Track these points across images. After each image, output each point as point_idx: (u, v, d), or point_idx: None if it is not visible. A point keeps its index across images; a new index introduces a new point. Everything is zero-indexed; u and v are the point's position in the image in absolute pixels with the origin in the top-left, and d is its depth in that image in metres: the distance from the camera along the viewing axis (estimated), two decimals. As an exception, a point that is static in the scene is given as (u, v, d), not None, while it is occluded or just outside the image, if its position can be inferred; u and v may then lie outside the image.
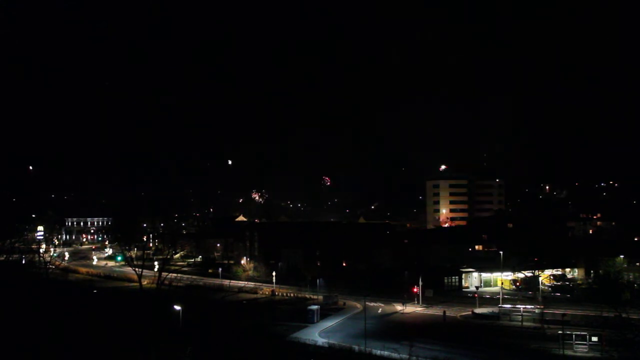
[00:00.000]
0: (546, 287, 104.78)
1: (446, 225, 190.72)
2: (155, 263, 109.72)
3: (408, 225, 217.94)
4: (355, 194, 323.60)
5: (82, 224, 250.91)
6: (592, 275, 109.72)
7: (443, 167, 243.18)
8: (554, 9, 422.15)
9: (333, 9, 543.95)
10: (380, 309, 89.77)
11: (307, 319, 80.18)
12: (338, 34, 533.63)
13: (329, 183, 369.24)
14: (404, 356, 56.75)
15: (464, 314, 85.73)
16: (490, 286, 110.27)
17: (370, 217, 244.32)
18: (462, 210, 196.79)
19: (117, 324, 54.19)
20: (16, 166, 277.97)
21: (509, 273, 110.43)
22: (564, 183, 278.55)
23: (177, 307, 54.44)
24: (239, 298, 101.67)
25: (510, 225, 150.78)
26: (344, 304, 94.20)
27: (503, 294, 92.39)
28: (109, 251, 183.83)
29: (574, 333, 64.61)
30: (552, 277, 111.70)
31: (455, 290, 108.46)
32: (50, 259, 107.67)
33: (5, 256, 66.67)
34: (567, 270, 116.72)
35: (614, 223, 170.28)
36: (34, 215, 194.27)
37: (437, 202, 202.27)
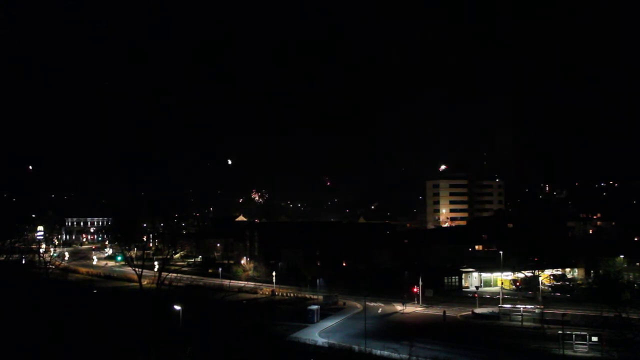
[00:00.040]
0: (546, 287, 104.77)
1: (446, 225, 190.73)
2: (155, 263, 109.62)
3: (408, 225, 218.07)
4: (355, 194, 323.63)
5: (82, 224, 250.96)
6: (592, 275, 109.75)
7: (443, 167, 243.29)
8: (554, 9, 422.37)
9: (333, 9, 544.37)
10: (380, 309, 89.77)
11: (307, 319, 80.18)
12: (338, 34, 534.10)
13: (328, 183, 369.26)
14: (404, 356, 56.74)
15: (464, 314, 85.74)
16: (490, 286, 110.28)
17: (370, 217, 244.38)
18: (462, 210, 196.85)
19: (117, 324, 54.13)
20: (16, 166, 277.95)
21: (509, 273, 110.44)
22: (564, 183, 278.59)
23: (177, 307, 54.40)
24: (239, 298, 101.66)
25: (510, 225, 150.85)
26: (344, 304, 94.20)
27: (503, 294, 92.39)
28: (109, 251, 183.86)
29: (574, 333, 64.61)
30: (552, 277, 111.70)
31: (455, 290, 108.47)
32: (50, 259, 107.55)
33: (5, 256, 66.57)
34: (567, 270, 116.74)
35: (614, 223, 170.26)
36: (34, 215, 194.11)
37: (437, 202, 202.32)
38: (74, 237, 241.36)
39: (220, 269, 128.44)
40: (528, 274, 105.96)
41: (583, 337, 63.63)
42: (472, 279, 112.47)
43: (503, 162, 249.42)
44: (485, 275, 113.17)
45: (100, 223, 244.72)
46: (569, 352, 61.93)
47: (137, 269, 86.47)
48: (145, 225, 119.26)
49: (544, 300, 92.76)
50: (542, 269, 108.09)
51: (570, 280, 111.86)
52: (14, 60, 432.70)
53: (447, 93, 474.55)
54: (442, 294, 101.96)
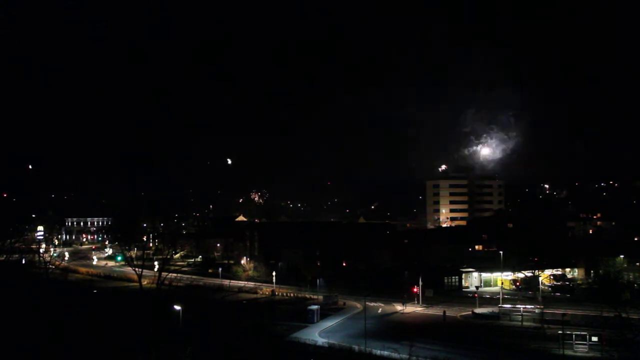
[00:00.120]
0: (546, 287, 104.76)
1: (446, 225, 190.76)
2: (155, 263, 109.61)
3: (408, 225, 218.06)
4: (355, 194, 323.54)
5: (82, 224, 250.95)
6: (592, 275, 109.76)
7: (443, 167, 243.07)
8: (554, 9, 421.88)
9: (333, 9, 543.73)
10: (380, 309, 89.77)
11: (307, 319, 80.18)
12: (338, 34, 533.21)
13: (328, 182, 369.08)
14: (404, 356, 56.72)
15: (464, 314, 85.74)
16: (490, 286, 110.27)
17: (370, 217, 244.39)
18: (462, 210, 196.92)
19: (117, 324, 54.16)
20: (16, 166, 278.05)
21: (509, 273, 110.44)
22: (564, 183, 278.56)
23: (177, 307, 54.43)
24: (239, 298, 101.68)
25: (510, 225, 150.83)
26: (344, 304, 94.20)
27: (503, 294, 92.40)
28: (109, 251, 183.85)
29: (574, 333, 64.60)
30: (552, 277, 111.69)
31: (455, 290, 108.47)
32: (50, 259, 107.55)
33: (5, 256, 66.61)
34: (567, 270, 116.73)
35: (614, 223, 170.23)
36: (34, 215, 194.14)
37: (437, 202, 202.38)
38: (74, 237, 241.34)
39: (220, 269, 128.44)
40: (528, 274, 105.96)
41: (583, 337, 63.62)
42: (472, 279, 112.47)
43: (503, 162, 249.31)
44: (485, 275, 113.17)
45: (100, 223, 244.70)
46: (569, 352, 61.93)
47: (137, 269, 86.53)
48: (145, 225, 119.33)
49: (544, 300, 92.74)
50: (542, 269, 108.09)
51: (570, 280, 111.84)
52: (14, 60, 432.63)
53: (447, 93, 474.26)
54: (442, 294, 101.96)
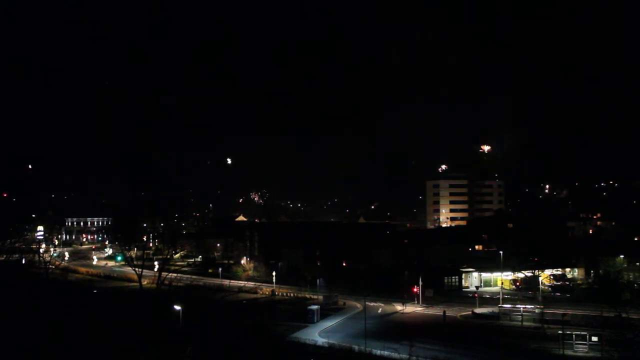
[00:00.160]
0: (546, 287, 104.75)
1: (446, 225, 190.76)
2: (155, 263, 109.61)
3: (408, 225, 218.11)
4: (355, 194, 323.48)
5: (82, 224, 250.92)
6: (592, 275, 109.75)
7: (443, 167, 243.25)
8: (554, 9, 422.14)
9: (333, 9, 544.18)
10: (380, 309, 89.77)
11: (307, 319, 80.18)
12: (338, 34, 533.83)
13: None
14: (404, 356, 56.72)
15: (464, 314, 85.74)
16: (490, 286, 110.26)
17: (370, 217, 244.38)
18: (462, 210, 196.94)
19: (117, 324, 54.14)
20: (16, 166, 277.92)
21: (509, 273, 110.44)
22: (564, 183, 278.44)
23: (177, 307, 54.43)
24: (239, 298, 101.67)
25: (510, 225, 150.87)
26: (344, 304, 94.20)
27: (503, 294, 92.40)
28: (109, 251, 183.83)
29: (574, 333, 64.61)
30: (552, 277, 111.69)
31: (455, 290, 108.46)
32: (50, 259, 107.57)
33: (5, 256, 66.59)
34: (567, 270, 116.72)
35: (614, 223, 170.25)
36: (34, 215, 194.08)
37: (437, 202, 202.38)
38: (74, 237, 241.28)
39: (220, 269, 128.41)
40: (528, 274, 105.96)
41: (583, 337, 63.62)
42: (472, 279, 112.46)
43: (503, 162, 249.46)
44: (485, 275, 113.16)
45: (100, 223, 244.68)
46: (569, 352, 61.94)
47: (137, 269, 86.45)
48: (145, 225, 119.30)
49: (544, 300, 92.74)
50: (542, 269, 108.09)
51: (570, 280, 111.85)
52: (14, 60, 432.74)
53: (447, 93, 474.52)
54: (442, 294, 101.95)
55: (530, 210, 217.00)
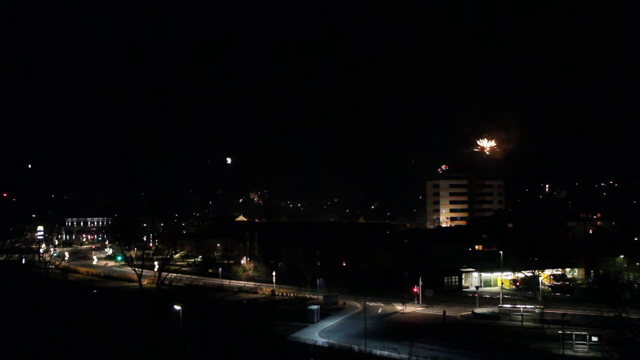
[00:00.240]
0: (546, 287, 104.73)
1: (446, 225, 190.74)
2: (155, 263, 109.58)
3: (408, 225, 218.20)
4: (355, 194, 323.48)
5: (82, 224, 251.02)
6: (592, 275, 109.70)
7: (443, 167, 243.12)
8: (554, 9, 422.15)
9: (333, 9, 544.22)
10: (380, 309, 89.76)
11: (307, 319, 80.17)
12: (338, 34, 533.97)
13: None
14: (404, 356, 56.71)
15: (464, 313, 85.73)
16: (490, 286, 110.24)
17: (370, 217, 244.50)
18: (462, 210, 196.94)
19: (117, 324, 54.12)
20: (16, 166, 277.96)
21: (509, 273, 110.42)
22: (564, 183, 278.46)
23: (177, 307, 54.43)
24: (239, 298, 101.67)
25: (510, 225, 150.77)
26: (344, 304, 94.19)
27: (503, 294, 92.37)
28: (109, 251, 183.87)
29: (574, 333, 64.58)
30: (552, 277, 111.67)
31: (455, 290, 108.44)
32: (50, 259, 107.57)
33: (5, 256, 66.55)
34: (567, 270, 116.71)
35: (614, 223, 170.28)
36: (34, 215, 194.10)
37: (437, 202, 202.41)
38: (74, 237, 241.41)
39: (220, 269, 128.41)
40: (528, 274, 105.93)
41: (583, 337, 63.60)
42: (472, 279, 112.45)
43: (503, 162, 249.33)
44: (485, 275, 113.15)
45: (100, 223, 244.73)
46: (569, 352, 61.91)
47: (137, 269, 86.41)
48: (145, 225, 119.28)
49: (544, 300, 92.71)
50: (542, 269, 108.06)
51: (570, 280, 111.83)
52: (14, 60, 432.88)
53: (447, 93, 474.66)
54: (442, 294, 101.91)
55: (530, 210, 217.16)
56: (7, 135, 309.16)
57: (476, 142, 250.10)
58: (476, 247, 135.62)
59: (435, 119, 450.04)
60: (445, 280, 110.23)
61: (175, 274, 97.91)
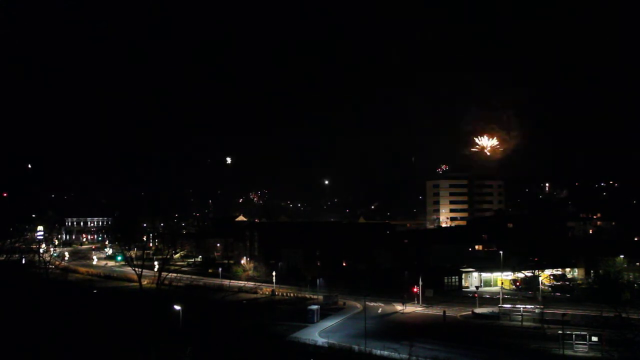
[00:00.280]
0: (546, 287, 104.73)
1: (446, 225, 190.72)
2: (155, 263, 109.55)
3: (408, 225, 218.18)
4: (355, 194, 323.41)
5: (82, 224, 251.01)
6: (592, 275, 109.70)
7: (443, 167, 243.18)
8: (554, 9, 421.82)
9: (333, 9, 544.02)
10: (380, 309, 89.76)
11: (307, 319, 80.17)
12: (338, 34, 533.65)
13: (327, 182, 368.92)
14: (404, 356, 56.71)
15: (464, 314, 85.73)
16: (490, 286, 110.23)
17: (370, 217, 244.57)
18: (462, 210, 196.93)
19: (117, 324, 54.14)
20: (16, 166, 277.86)
21: (509, 273, 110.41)
22: (564, 183, 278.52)
23: (177, 307, 54.46)
24: (239, 298, 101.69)
25: (510, 225, 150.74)
26: (344, 304, 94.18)
27: (503, 294, 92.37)
28: (109, 251, 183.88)
29: (574, 333, 64.59)
30: (552, 277, 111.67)
31: (455, 290, 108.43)
32: (50, 259, 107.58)
33: (5, 256, 66.56)
34: (567, 270, 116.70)
35: (614, 223, 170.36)
36: (34, 215, 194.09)
37: (437, 202, 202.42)
38: (74, 237, 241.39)
39: (220, 269, 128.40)
40: (528, 274, 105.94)
41: (583, 337, 63.60)
42: (472, 279, 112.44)
43: (503, 162, 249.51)
44: (485, 275, 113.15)
45: (100, 223, 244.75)
46: (569, 352, 61.91)
47: (137, 269, 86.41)
48: (145, 225, 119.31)
49: (544, 300, 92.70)
50: (542, 269, 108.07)
51: (570, 280, 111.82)
52: (14, 60, 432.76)
53: (447, 93, 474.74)
54: (442, 294, 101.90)
55: (530, 210, 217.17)
56: (7, 135, 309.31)
57: (476, 142, 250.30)
58: (476, 247, 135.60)
59: (436, 119, 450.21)
60: (445, 280, 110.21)
61: (175, 274, 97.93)
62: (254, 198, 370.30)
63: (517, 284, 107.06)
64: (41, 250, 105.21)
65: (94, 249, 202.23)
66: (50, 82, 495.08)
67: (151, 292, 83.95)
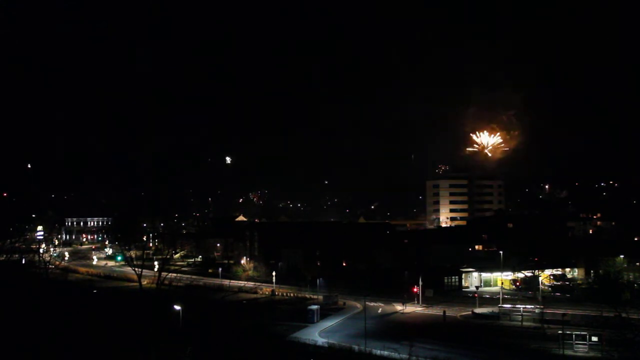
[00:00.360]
0: (546, 287, 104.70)
1: (446, 225, 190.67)
2: (155, 263, 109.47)
3: (408, 225, 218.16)
4: (355, 194, 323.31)
5: (82, 224, 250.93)
6: (592, 275, 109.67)
7: (443, 167, 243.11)
8: (554, 9, 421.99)
9: (333, 9, 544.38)
10: (380, 309, 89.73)
11: (307, 319, 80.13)
12: (338, 34, 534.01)
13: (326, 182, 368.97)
14: (404, 356, 56.68)
15: (464, 314, 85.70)
16: (490, 286, 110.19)
17: (370, 217, 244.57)
18: (462, 210, 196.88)
19: (117, 324, 54.13)
20: (16, 166, 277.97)
21: (509, 273, 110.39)
22: (564, 183, 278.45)
23: (177, 307, 54.44)
24: (239, 298, 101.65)
25: (510, 225, 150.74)
26: (344, 304, 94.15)
27: (503, 294, 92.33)
28: (109, 251, 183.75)
29: (574, 333, 64.55)
30: (552, 277, 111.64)
31: (455, 290, 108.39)
32: (50, 259, 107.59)
33: (5, 256, 66.54)
34: (567, 270, 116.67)
35: (614, 223, 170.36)
36: (34, 215, 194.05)
37: (437, 202, 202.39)
38: (74, 237, 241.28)
39: (220, 269, 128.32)
40: (528, 274, 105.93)
41: (583, 337, 63.56)
42: (472, 279, 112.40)
43: (503, 162, 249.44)
44: (485, 275, 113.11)
45: (100, 223, 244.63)
46: (569, 352, 61.89)
47: (137, 269, 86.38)
48: (145, 225, 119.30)
49: (544, 300, 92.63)
50: (542, 269, 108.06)
51: (570, 280, 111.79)
52: (14, 60, 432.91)
53: (447, 93, 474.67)
54: (442, 294, 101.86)
55: (530, 210, 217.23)
56: (7, 135, 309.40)
57: (476, 142, 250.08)
58: (476, 247, 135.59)
59: (436, 118, 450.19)
60: (445, 280, 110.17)
61: (175, 274, 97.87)
62: (254, 198, 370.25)
63: (517, 284, 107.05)
64: (41, 250, 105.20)
65: (94, 249, 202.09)
66: (50, 82, 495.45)
67: (151, 292, 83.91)
